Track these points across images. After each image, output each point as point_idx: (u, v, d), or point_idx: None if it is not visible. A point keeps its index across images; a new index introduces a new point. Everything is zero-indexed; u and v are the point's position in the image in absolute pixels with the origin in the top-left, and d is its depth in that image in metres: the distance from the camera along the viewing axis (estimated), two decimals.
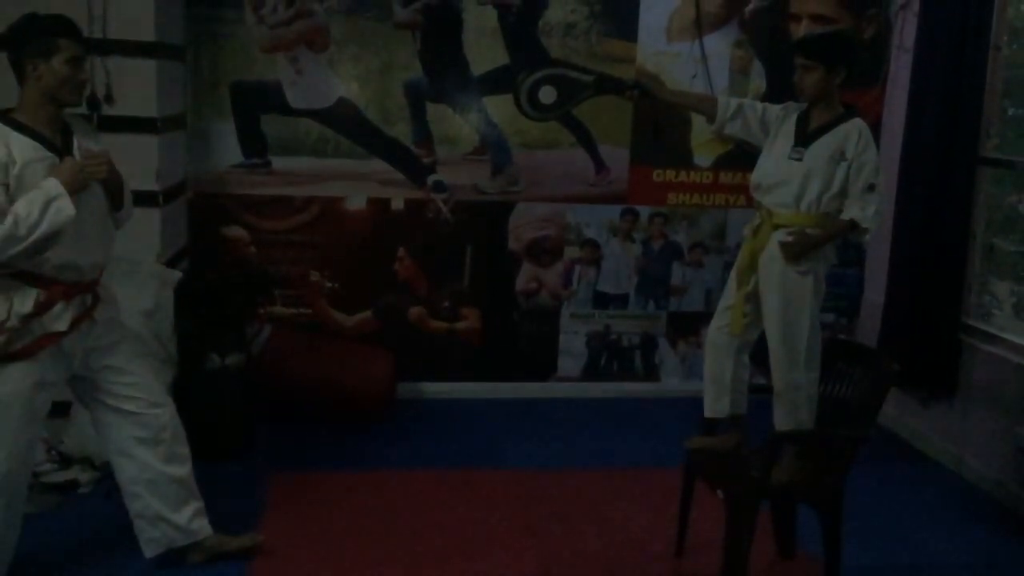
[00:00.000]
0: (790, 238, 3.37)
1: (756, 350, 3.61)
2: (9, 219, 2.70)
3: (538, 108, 4.81)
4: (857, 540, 3.57)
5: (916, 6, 4.70)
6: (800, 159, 3.38)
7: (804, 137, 3.41)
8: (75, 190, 2.80)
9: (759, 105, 3.62)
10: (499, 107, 4.84)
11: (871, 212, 3.31)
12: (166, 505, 3.20)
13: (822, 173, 3.34)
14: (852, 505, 3.28)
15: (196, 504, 3.26)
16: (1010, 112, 4.50)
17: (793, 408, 3.39)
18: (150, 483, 3.18)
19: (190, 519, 3.24)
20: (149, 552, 3.25)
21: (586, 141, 4.95)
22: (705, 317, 3.87)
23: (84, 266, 2.96)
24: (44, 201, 2.73)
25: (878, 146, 4.83)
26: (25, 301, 2.85)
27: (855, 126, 3.35)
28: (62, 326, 2.93)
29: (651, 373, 5.26)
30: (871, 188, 3.31)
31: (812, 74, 3.34)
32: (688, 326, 5.20)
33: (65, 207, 2.75)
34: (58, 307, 2.91)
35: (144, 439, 3.15)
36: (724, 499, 3.20)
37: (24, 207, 2.71)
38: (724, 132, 3.67)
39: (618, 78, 4.40)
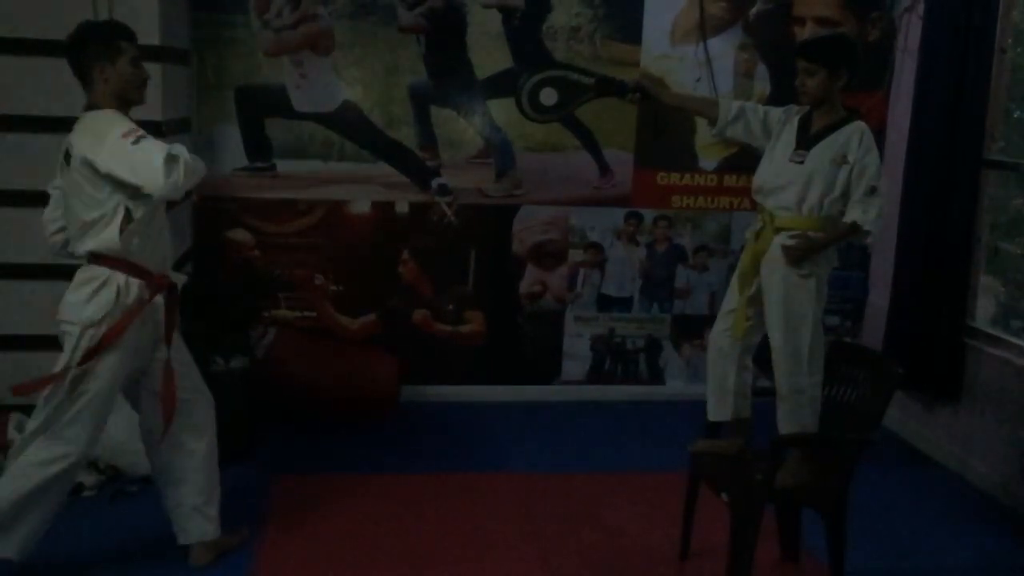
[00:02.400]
0: (792, 241, 3.36)
1: (759, 353, 3.61)
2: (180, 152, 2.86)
3: (539, 110, 4.81)
4: (861, 543, 3.55)
5: (920, 9, 4.70)
6: (802, 162, 3.38)
7: (806, 140, 3.41)
8: None
9: (761, 108, 3.62)
10: (503, 110, 4.84)
11: (873, 215, 3.31)
12: (202, 495, 3.27)
13: (824, 176, 3.34)
14: (856, 508, 3.28)
15: (219, 497, 3.35)
16: (1015, 115, 4.50)
17: (796, 411, 3.39)
18: (195, 471, 3.25)
19: (217, 512, 3.32)
20: (184, 540, 3.29)
21: (590, 144, 4.95)
22: (709, 320, 3.87)
23: (167, 258, 3.13)
24: (185, 149, 2.90)
25: (882, 149, 4.88)
26: (130, 291, 2.97)
27: (857, 129, 3.35)
28: (160, 315, 3.07)
29: (655, 376, 5.26)
30: (873, 191, 3.31)
31: (814, 77, 3.34)
32: (692, 329, 5.20)
33: (199, 160, 2.96)
34: (158, 297, 3.05)
35: (194, 427, 3.24)
36: (728, 502, 3.20)
37: (179, 150, 2.87)
38: (725, 135, 3.68)
39: (619, 80, 4.41)
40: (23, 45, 3.95)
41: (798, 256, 3.36)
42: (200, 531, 3.29)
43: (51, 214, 3.16)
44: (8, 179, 3.97)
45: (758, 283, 3.50)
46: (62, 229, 3.13)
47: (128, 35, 3.03)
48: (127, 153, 2.81)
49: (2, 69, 3.98)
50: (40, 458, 2.98)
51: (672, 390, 5.23)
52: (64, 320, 2.98)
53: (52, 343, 4.11)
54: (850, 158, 3.32)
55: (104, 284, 2.95)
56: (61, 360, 2.98)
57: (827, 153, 3.35)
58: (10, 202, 3.91)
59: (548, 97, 4.78)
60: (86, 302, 2.94)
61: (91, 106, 2.99)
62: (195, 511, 3.26)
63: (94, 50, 2.95)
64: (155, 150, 2.81)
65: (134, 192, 2.88)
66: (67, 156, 2.98)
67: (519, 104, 4.81)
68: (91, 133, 2.89)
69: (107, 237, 2.92)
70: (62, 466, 3.00)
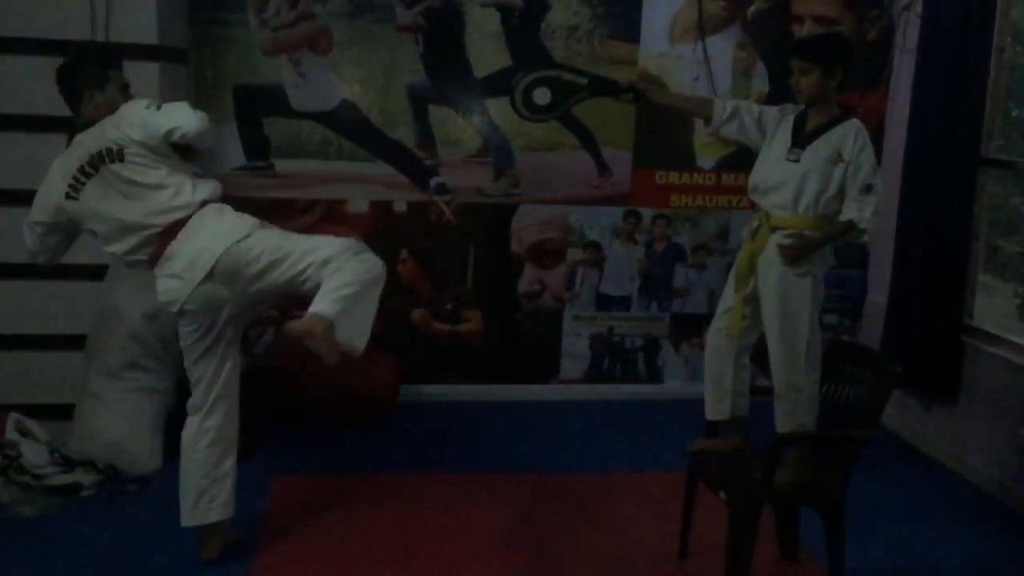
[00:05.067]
0: (788, 240, 3.36)
1: (758, 352, 3.61)
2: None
3: (532, 110, 4.82)
4: (860, 542, 3.56)
5: (919, 7, 4.70)
6: (797, 161, 3.38)
7: (801, 139, 3.41)
8: None
9: (755, 107, 3.62)
10: (501, 109, 4.84)
11: (869, 213, 3.30)
12: (234, 468, 3.34)
13: (819, 174, 3.33)
14: (855, 507, 3.28)
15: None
16: (1014, 113, 4.50)
17: (794, 410, 3.39)
18: (232, 447, 3.32)
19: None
20: (216, 516, 3.27)
21: (589, 143, 4.95)
22: (708, 319, 3.86)
23: None
24: None
25: (881, 147, 4.89)
26: None
27: (852, 127, 3.35)
28: None
29: (654, 375, 5.26)
30: (869, 189, 3.30)
31: (809, 76, 3.34)
32: (691, 328, 5.20)
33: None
34: None
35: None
36: (727, 501, 3.20)
37: None
38: (720, 134, 3.67)
39: (613, 80, 4.40)
40: (23, 45, 3.95)
41: (794, 255, 3.35)
42: (231, 505, 3.29)
43: (38, 247, 3.23)
44: (8, 179, 3.98)
45: (754, 282, 3.50)
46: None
47: (118, 63, 3.25)
48: (155, 113, 3.07)
49: (2, 69, 3.98)
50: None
51: (670, 389, 5.23)
52: (236, 240, 3.07)
53: (52, 343, 4.15)
54: (845, 156, 3.32)
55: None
56: (286, 256, 3.15)
57: (822, 151, 3.35)
58: (9, 201, 3.91)
59: (542, 97, 4.79)
60: (239, 217, 3.16)
61: (83, 125, 3.12)
62: (232, 483, 3.29)
63: (84, 77, 3.13)
64: (175, 103, 3.15)
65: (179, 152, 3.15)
66: (83, 171, 3.06)
67: (513, 104, 4.81)
68: (119, 125, 3.06)
69: (210, 186, 3.19)
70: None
